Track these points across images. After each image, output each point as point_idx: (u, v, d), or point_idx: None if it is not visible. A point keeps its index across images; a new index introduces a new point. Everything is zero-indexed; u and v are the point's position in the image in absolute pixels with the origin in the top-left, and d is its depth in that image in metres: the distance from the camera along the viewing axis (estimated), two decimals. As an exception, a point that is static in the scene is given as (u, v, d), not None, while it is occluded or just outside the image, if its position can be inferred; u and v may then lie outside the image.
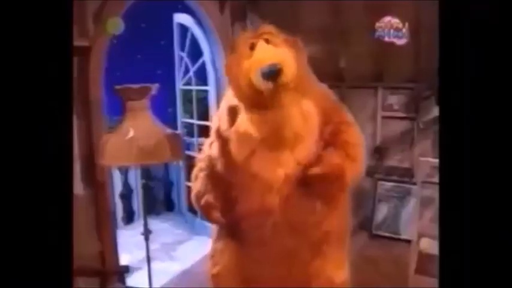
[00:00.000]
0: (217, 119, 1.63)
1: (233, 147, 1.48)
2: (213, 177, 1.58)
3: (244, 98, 1.46)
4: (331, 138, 1.49)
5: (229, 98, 1.56)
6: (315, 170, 1.43)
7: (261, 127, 1.43)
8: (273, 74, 1.35)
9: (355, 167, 1.51)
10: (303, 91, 1.46)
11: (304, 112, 1.45)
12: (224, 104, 1.60)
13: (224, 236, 1.63)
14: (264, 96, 1.38)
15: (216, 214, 1.58)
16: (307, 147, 1.45)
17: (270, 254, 1.52)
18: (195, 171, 1.68)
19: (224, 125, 1.54)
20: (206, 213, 1.63)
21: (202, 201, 1.60)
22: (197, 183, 1.65)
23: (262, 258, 1.54)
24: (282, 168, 1.44)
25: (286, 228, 1.48)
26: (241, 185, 1.51)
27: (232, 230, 1.58)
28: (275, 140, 1.44)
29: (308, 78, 1.54)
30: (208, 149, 1.63)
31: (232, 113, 1.52)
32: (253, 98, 1.42)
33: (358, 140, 1.56)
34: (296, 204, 1.47)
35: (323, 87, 1.63)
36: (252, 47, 1.46)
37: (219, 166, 1.54)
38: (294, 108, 1.43)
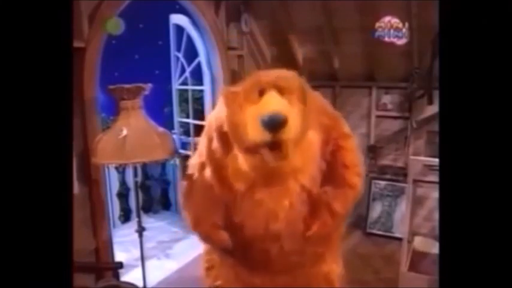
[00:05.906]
0: (206, 139, 1.46)
1: (230, 177, 1.37)
2: (211, 200, 1.44)
3: (239, 142, 1.29)
4: (331, 158, 1.44)
5: (221, 117, 1.37)
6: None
7: (257, 168, 1.31)
8: (274, 123, 1.16)
9: (353, 193, 1.47)
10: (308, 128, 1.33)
11: (305, 144, 1.34)
12: (214, 121, 1.43)
13: (219, 249, 1.57)
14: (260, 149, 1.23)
15: (225, 235, 1.45)
16: (310, 174, 1.39)
17: (273, 269, 1.50)
18: (184, 194, 1.54)
19: (217, 151, 1.40)
20: (213, 235, 1.47)
21: (206, 225, 1.47)
22: (193, 209, 1.51)
23: (265, 272, 1.51)
24: (287, 197, 1.36)
25: (292, 249, 1.44)
26: (243, 211, 1.40)
27: (233, 252, 1.50)
28: (275, 176, 1.34)
29: (312, 112, 1.36)
30: (198, 169, 1.48)
31: (224, 140, 1.36)
32: (249, 147, 1.25)
33: (356, 159, 1.50)
34: (300, 226, 1.42)
35: (320, 100, 1.53)
36: (262, 93, 1.26)
37: (217, 191, 1.42)
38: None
